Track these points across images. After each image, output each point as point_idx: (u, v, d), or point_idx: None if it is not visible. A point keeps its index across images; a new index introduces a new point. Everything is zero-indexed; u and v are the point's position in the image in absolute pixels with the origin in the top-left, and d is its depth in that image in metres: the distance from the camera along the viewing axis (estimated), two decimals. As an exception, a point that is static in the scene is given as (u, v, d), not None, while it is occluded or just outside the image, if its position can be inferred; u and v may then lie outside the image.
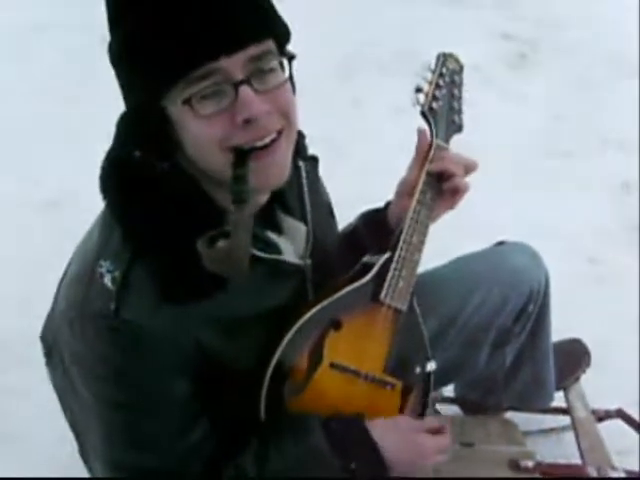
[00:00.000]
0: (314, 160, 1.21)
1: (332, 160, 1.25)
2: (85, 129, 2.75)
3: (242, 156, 0.89)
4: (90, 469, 1.08)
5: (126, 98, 0.94)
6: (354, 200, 1.34)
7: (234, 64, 0.85)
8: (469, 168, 1.18)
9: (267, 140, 0.91)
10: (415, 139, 1.20)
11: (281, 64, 0.92)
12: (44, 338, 1.05)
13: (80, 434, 1.05)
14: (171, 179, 0.94)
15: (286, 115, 0.93)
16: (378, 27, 3.62)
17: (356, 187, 1.33)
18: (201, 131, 0.88)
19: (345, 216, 1.34)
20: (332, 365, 1.08)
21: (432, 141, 1.19)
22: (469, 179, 1.19)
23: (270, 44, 0.90)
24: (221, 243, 0.88)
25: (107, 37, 0.92)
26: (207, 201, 0.97)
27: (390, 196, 1.28)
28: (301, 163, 1.14)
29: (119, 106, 0.97)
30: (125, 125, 0.97)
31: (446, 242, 1.39)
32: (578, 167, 2.86)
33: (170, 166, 0.94)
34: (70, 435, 1.12)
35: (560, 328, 1.77)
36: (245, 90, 0.86)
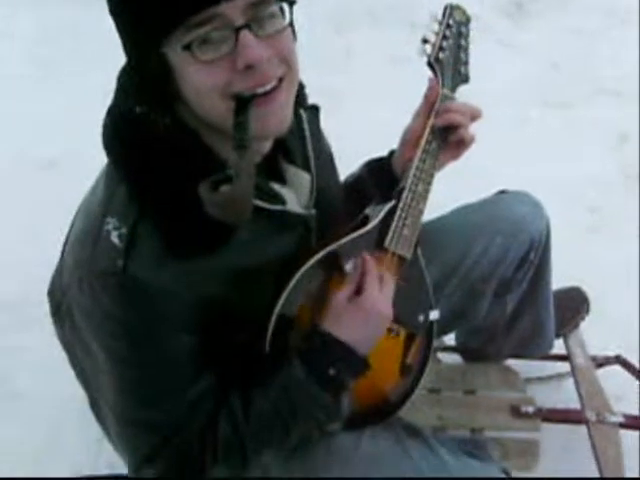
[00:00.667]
0: (315, 109, 1.21)
1: (328, 111, 1.24)
2: (83, 86, 2.73)
3: (243, 103, 0.88)
4: (101, 422, 1.09)
5: (126, 47, 0.93)
6: (351, 151, 1.34)
7: (234, 9, 0.84)
8: (474, 116, 1.18)
9: (268, 87, 0.90)
10: (412, 89, 1.21)
11: (281, 10, 0.91)
12: (51, 295, 1.05)
13: (91, 387, 1.07)
14: (173, 133, 0.94)
15: (287, 61, 0.92)
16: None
17: (353, 137, 1.32)
18: (201, 78, 0.88)
19: (343, 167, 1.33)
20: None
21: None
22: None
23: None
24: (224, 188, 0.88)
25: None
26: (209, 154, 0.96)
27: (387, 146, 1.28)
28: (302, 112, 1.14)
29: (116, 63, 0.96)
30: (126, 78, 0.96)
31: (445, 192, 1.38)
32: (575, 116, 2.86)
33: (172, 121, 0.94)
34: (76, 393, 1.13)
35: (560, 277, 1.79)
36: (246, 35, 0.85)
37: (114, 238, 0.91)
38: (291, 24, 0.93)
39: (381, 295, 1.06)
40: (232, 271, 0.98)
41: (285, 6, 0.90)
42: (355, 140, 1.30)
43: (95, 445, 1.20)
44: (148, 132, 0.94)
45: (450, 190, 1.57)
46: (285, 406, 1.01)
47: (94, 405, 1.08)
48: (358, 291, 1.05)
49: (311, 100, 1.21)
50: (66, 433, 1.75)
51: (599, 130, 2.79)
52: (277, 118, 0.94)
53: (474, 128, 1.19)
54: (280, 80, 0.92)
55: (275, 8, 0.89)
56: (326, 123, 1.26)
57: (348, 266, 1.09)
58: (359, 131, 2.42)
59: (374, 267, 1.07)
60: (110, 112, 0.98)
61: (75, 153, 2.46)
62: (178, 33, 0.85)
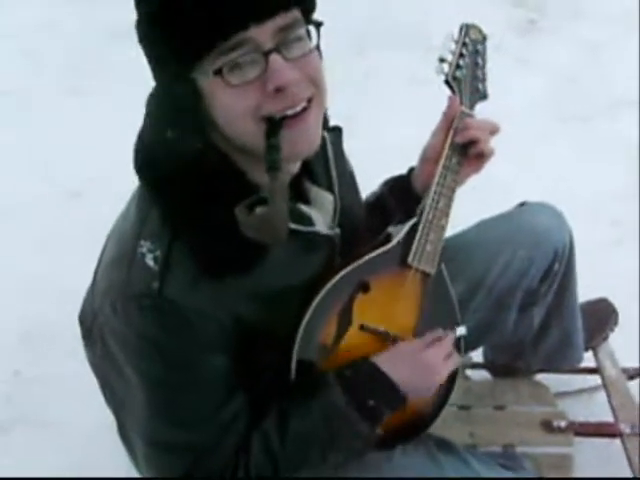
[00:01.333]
0: (338, 130, 1.22)
1: (348, 133, 1.26)
2: (101, 120, 2.78)
3: (275, 125, 0.90)
4: (129, 447, 1.10)
5: (155, 72, 0.95)
6: (371, 172, 1.35)
7: (264, 33, 0.86)
8: (493, 131, 1.19)
9: (298, 108, 0.91)
10: (430, 110, 1.22)
11: (308, 33, 0.93)
12: (82, 319, 1.07)
13: (120, 412, 1.07)
14: (205, 157, 0.95)
15: (315, 82, 0.94)
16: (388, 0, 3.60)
17: (373, 159, 1.33)
18: (232, 101, 0.89)
19: (362, 188, 1.34)
20: (362, 327, 1.10)
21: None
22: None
23: (297, 13, 0.90)
24: (259, 209, 0.90)
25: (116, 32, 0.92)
26: (241, 176, 0.98)
27: (406, 166, 1.29)
28: (325, 133, 1.15)
29: (133, 98, 0.97)
30: (155, 102, 0.98)
31: (467, 208, 1.39)
32: (593, 130, 2.85)
33: (203, 144, 0.95)
34: (106, 420, 1.14)
35: (586, 290, 1.79)
36: (275, 58, 0.87)
37: (149, 261, 0.93)
38: (318, 46, 0.95)
39: (444, 363, 1.11)
40: (265, 291, 0.99)
41: (312, 29, 0.93)
42: (375, 160, 1.32)
43: (129, 470, 1.22)
44: (180, 156, 0.95)
45: (472, 206, 1.57)
46: (323, 432, 1.02)
47: (123, 432, 1.09)
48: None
49: (332, 122, 1.23)
50: (97, 461, 1.75)
51: (619, 142, 2.78)
52: (307, 139, 0.96)
53: (494, 144, 1.20)
54: (309, 101, 0.93)
55: (302, 31, 0.91)
56: (348, 144, 1.28)
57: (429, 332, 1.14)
58: (379, 151, 2.45)
59: (450, 341, 1.13)
60: (141, 137, 1.00)
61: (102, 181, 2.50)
62: (209, 59, 0.87)
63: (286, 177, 0.97)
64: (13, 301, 2.21)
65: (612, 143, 2.77)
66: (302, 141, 0.95)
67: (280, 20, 0.87)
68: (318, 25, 0.93)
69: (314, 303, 1.05)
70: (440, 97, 1.24)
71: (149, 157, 0.98)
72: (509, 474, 1.15)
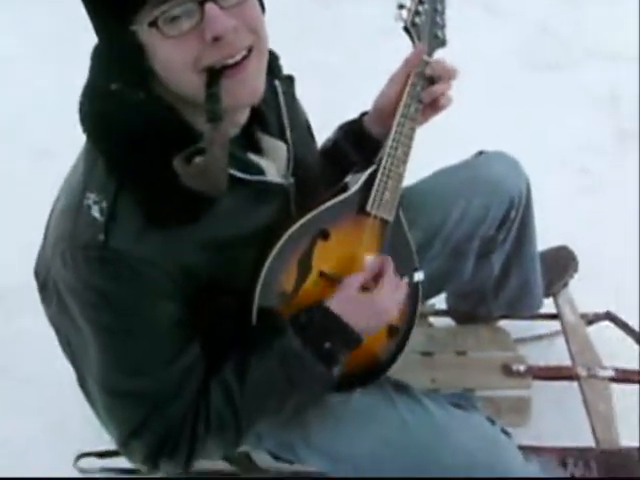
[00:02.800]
0: (290, 80, 1.22)
1: (321, 85, 1.25)
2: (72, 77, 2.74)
3: (214, 75, 0.90)
4: (89, 399, 1.09)
5: (97, 29, 0.94)
6: (337, 122, 1.35)
7: None
8: (452, 77, 1.19)
9: (238, 57, 0.91)
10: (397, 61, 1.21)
11: None
12: (37, 273, 1.07)
13: (77, 364, 1.08)
14: (147, 107, 0.95)
15: (254, 30, 0.93)
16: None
17: (344, 111, 1.33)
18: (171, 53, 0.89)
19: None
20: (321, 274, 1.11)
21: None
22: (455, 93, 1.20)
23: None
24: (197, 159, 0.90)
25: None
26: (184, 126, 0.98)
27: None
28: (277, 82, 1.15)
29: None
30: (99, 57, 0.98)
31: (429, 157, 1.40)
32: (564, 79, 2.87)
33: (146, 95, 0.95)
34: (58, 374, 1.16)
35: (551, 237, 1.82)
36: (211, 7, 0.86)
37: (95, 212, 0.93)
38: None
39: (393, 296, 1.12)
40: (214, 241, 0.99)
41: None
42: (349, 112, 1.32)
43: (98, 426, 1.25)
44: (123, 107, 0.95)
45: (433, 155, 1.59)
46: (281, 376, 1.03)
47: (83, 383, 1.09)
48: (371, 285, 1.09)
49: (306, 76, 1.22)
50: (71, 414, 1.78)
51: (588, 92, 2.80)
52: (249, 88, 0.95)
53: (460, 93, 1.20)
54: (249, 50, 0.93)
55: None
56: (320, 97, 1.27)
57: (368, 260, 1.14)
58: (353, 105, 2.44)
59: (392, 270, 1.12)
60: (85, 90, 1.00)
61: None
62: (145, 10, 0.86)
63: (231, 127, 0.97)
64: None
65: (583, 93, 2.79)
66: (243, 90, 0.95)
67: None
68: None
69: (274, 251, 1.06)
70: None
71: (93, 110, 0.97)
72: (460, 412, 1.18)
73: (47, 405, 1.81)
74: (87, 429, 1.69)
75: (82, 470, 1.66)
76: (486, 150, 1.46)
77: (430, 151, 1.38)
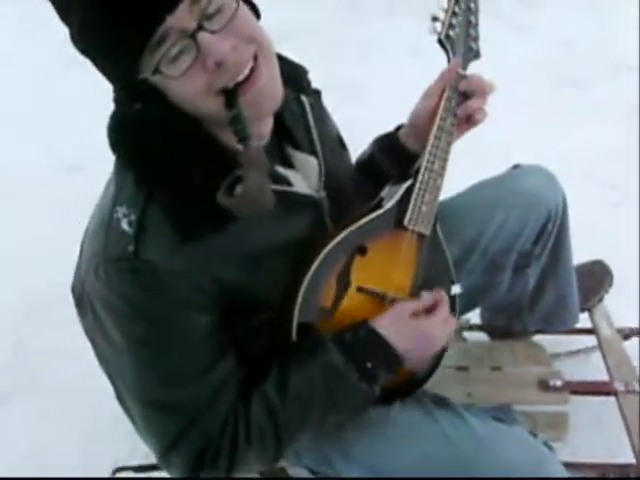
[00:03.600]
0: (317, 93, 1.22)
1: (350, 102, 1.26)
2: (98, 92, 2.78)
3: (230, 96, 0.91)
4: (127, 412, 1.10)
5: (109, 78, 0.96)
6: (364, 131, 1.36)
7: (180, 17, 0.86)
8: (489, 91, 1.19)
9: (246, 71, 0.92)
10: (431, 78, 1.22)
11: None
12: (74, 289, 1.08)
13: (114, 378, 1.08)
14: (170, 121, 0.96)
15: (253, 39, 0.93)
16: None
17: (376, 128, 1.34)
18: (183, 89, 0.91)
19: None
20: (359, 289, 1.11)
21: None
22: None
23: None
24: (239, 189, 0.91)
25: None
26: (209, 137, 0.99)
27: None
28: (304, 98, 1.16)
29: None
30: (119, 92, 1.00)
31: (461, 172, 1.40)
32: (591, 94, 2.87)
33: (168, 111, 0.96)
34: (109, 388, 1.15)
35: (582, 253, 1.80)
36: (203, 36, 0.87)
37: (124, 225, 0.95)
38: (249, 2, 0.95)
39: (443, 327, 1.13)
40: (245, 252, 1.00)
41: None
42: (380, 130, 1.33)
43: (132, 436, 1.24)
44: (147, 123, 0.96)
45: (466, 170, 1.59)
46: (322, 392, 1.03)
47: (120, 398, 1.09)
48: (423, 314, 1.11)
49: (335, 93, 1.22)
50: (104, 427, 1.79)
51: (615, 106, 2.79)
52: (267, 94, 0.96)
53: (491, 107, 1.21)
54: (255, 59, 0.93)
55: None
56: (349, 114, 1.28)
57: (425, 294, 1.15)
58: (383, 122, 2.45)
59: (446, 305, 1.14)
60: (112, 116, 1.02)
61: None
62: (145, 59, 0.88)
63: (258, 140, 0.98)
64: (15, 272, 2.25)
65: (608, 107, 2.78)
66: (263, 99, 0.95)
67: None
68: None
69: (313, 267, 1.06)
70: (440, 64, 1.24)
71: (119, 129, 0.99)
72: (502, 426, 1.17)
73: (81, 419, 1.82)
74: (121, 444, 1.72)
75: (119, 484, 1.67)
76: (522, 164, 1.46)
77: (461, 166, 1.38)
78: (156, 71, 0.88)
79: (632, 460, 1.47)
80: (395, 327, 1.08)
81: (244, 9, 0.93)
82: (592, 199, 2.32)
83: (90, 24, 0.87)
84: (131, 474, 1.64)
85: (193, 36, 0.87)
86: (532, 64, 3.00)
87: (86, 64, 0.94)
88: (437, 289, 1.17)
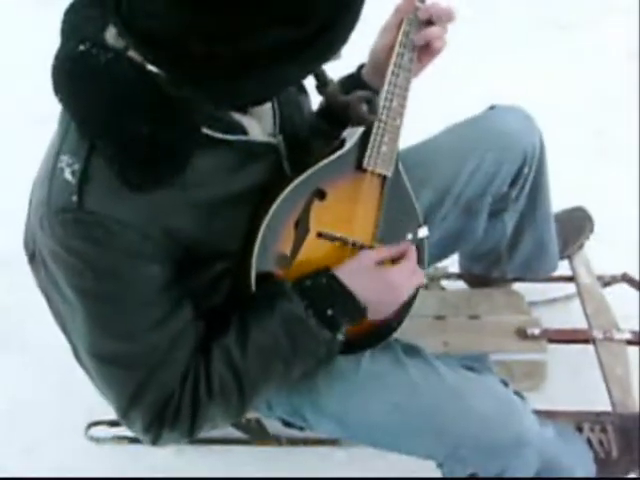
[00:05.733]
0: None
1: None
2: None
3: None
4: (84, 368, 1.06)
5: None
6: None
7: None
8: (449, 20, 1.12)
9: None
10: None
11: None
12: (26, 243, 1.04)
13: (69, 333, 1.04)
14: (116, 67, 0.91)
15: None
16: None
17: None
18: None
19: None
20: (319, 235, 1.08)
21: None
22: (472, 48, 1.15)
23: None
24: None
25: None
26: (157, 87, 0.92)
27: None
28: None
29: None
30: (68, 20, 0.96)
31: (438, 119, 1.36)
32: (580, 37, 2.81)
33: (114, 56, 0.91)
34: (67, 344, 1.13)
35: (564, 199, 1.77)
36: None
37: (67, 175, 0.90)
38: None
39: (409, 279, 1.10)
40: (200, 202, 0.96)
41: None
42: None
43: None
44: (92, 67, 0.91)
45: (445, 111, 1.54)
46: (284, 341, 1.00)
47: (77, 354, 1.05)
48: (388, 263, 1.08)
49: None
50: (78, 383, 1.77)
51: (604, 50, 2.75)
52: None
53: (470, 48, 1.15)
54: None
55: None
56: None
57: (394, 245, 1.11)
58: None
59: (414, 257, 1.11)
60: (56, 56, 0.96)
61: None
62: None
63: None
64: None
65: (597, 51, 2.73)
66: None
67: None
68: None
69: (269, 213, 1.02)
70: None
71: (63, 71, 0.93)
72: (473, 375, 1.16)
73: (55, 374, 1.80)
74: (96, 399, 1.70)
75: (93, 439, 1.66)
76: (498, 104, 1.41)
77: (443, 108, 1.33)
78: None
79: (609, 408, 1.46)
80: (358, 276, 1.05)
81: None
82: (578, 145, 2.28)
83: None
84: (105, 428, 1.64)
85: None
86: (522, 4, 2.93)
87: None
88: (403, 237, 1.13)
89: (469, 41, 1.15)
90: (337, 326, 1.02)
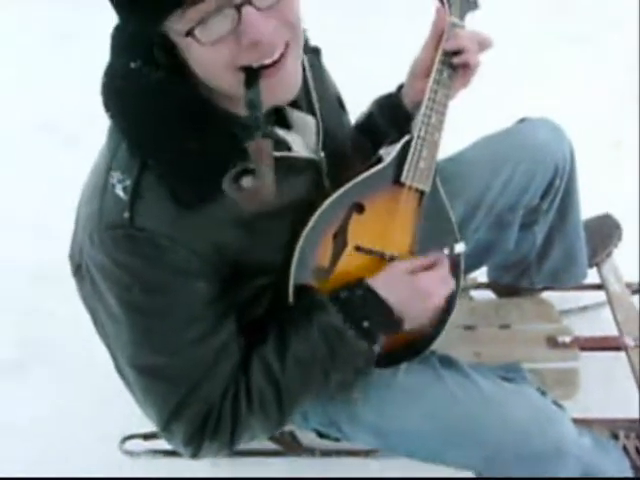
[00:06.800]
0: (316, 52, 1.19)
1: (340, 50, 1.22)
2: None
3: (252, 77, 0.87)
4: (125, 382, 1.08)
5: (123, 24, 0.92)
6: (365, 90, 1.33)
7: None
8: (484, 44, 1.16)
9: (276, 56, 0.88)
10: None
11: None
12: (72, 255, 1.06)
13: (112, 347, 1.06)
14: (167, 85, 0.93)
15: (292, 25, 0.89)
16: None
17: (370, 84, 1.32)
18: (207, 56, 0.86)
19: (356, 102, 1.32)
20: (357, 248, 1.09)
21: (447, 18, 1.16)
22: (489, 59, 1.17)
23: None
24: (245, 182, 0.87)
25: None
26: (209, 104, 0.95)
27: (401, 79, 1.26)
28: (304, 56, 1.12)
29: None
30: (119, 36, 0.96)
31: (462, 131, 1.37)
32: (593, 49, 2.81)
33: (166, 74, 0.92)
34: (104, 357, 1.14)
35: (588, 208, 1.77)
36: (248, 11, 0.82)
37: (119, 191, 0.92)
38: None
39: (441, 287, 1.10)
40: (241, 218, 0.97)
41: None
42: (374, 85, 1.30)
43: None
44: (143, 85, 0.93)
45: (468, 127, 1.55)
46: (321, 352, 1.01)
47: (119, 368, 1.07)
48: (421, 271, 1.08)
49: (327, 40, 1.19)
50: (113, 396, 1.79)
51: (617, 61, 2.75)
52: (287, 85, 0.93)
53: (492, 62, 1.18)
54: (287, 45, 0.89)
55: None
56: (339, 62, 1.25)
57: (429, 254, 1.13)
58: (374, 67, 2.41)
59: (446, 266, 1.12)
60: (106, 72, 0.98)
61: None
62: (177, 13, 0.82)
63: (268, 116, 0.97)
64: (24, 243, 2.24)
65: (611, 63, 2.73)
66: (282, 88, 0.92)
67: None
68: None
69: (308, 226, 1.04)
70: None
71: (114, 89, 0.95)
72: (510, 385, 1.16)
73: (90, 388, 1.82)
74: (131, 412, 1.72)
75: (127, 452, 1.67)
76: (528, 117, 1.42)
77: (461, 124, 1.34)
78: (189, 33, 0.83)
79: (643, 415, 1.46)
80: (391, 285, 1.06)
81: None
82: (596, 154, 2.26)
83: None
84: (140, 441, 1.66)
85: (238, 7, 0.81)
86: (533, 18, 2.94)
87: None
88: (438, 250, 1.14)
89: (485, 58, 1.17)
90: (373, 337, 1.04)
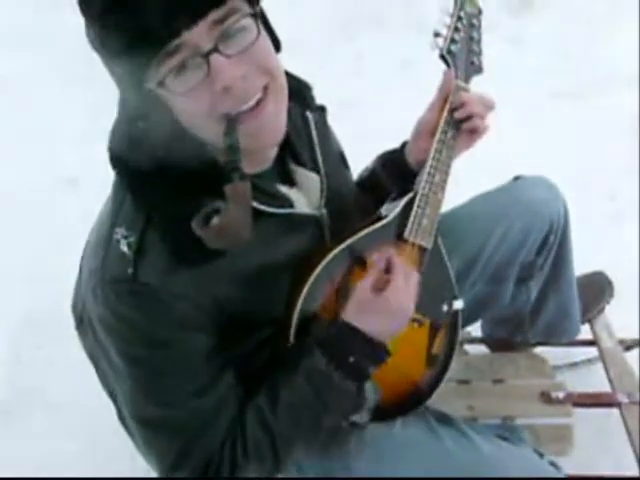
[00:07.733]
0: (322, 110, 1.21)
1: (341, 116, 1.25)
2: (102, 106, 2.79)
3: (230, 124, 0.89)
4: (128, 432, 1.09)
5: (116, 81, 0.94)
6: (365, 154, 1.36)
7: (198, 34, 0.83)
8: (488, 107, 1.20)
9: (252, 102, 0.90)
10: (422, 91, 1.22)
11: (255, 16, 0.88)
12: (74, 308, 1.07)
13: (115, 398, 1.07)
14: (173, 144, 0.94)
15: (267, 70, 0.91)
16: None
17: (367, 142, 1.35)
18: (186, 106, 0.89)
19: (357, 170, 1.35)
20: None
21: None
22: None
23: (234, 2, 0.86)
24: (215, 220, 0.88)
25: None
26: (211, 164, 0.96)
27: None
28: (309, 114, 1.15)
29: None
30: (124, 97, 0.98)
31: (461, 187, 1.39)
32: (589, 105, 2.85)
33: (172, 133, 0.93)
34: (110, 404, 1.14)
35: (582, 264, 1.79)
36: (216, 58, 0.84)
37: (123, 247, 0.93)
38: (270, 31, 0.94)
39: (406, 290, 1.07)
40: (244, 272, 0.99)
41: (252, 19, 0.88)
42: (370, 143, 1.33)
43: (133, 451, 1.24)
44: (150, 145, 0.93)
45: (467, 182, 1.58)
46: (311, 397, 1.01)
47: (122, 418, 1.08)
48: (382, 284, 1.05)
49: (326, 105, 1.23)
50: (103, 442, 1.77)
51: (613, 118, 2.78)
52: (269, 129, 0.94)
53: (490, 119, 1.21)
54: (265, 90, 0.91)
55: (244, 20, 0.87)
56: (340, 128, 1.28)
57: (374, 257, 1.10)
58: (375, 133, 2.45)
59: (400, 262, 1.09)
60: (114, 129, 1.00)
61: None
62: (152, 69, 0.85)
63: (260, 163, 1.00)
64: (14, 286, 2.24)
65: (607, 119, 2.77)
66: (263, 133, 0.93)
67: (213, 15, 0.84)
68: (255, 15, 0.88)
69: (310, 281, 1.05)
70: (434, 77, 1.24)
71: (121, 147, 0.97)
72: (508, 445, 1.16)
73: (82, 434, 1.82)
74: (122, 459, 1.70)
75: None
76: (523, 174, 1.45)
77: (464, 180, 1.37)
78: (161, 84, 0.86)
79: (637, 473, 1.45)
80: (362, 313, 1.04)
81: (265, 39, 0.91)
82: (592, 211, 2.31)
83: (102, 24, 0.84)
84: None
85: (206, 56, 0.84)
86: (530, 77, 3.00)
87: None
88: (439, 308, 1.16)
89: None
90: (362, 373, 1.03)
